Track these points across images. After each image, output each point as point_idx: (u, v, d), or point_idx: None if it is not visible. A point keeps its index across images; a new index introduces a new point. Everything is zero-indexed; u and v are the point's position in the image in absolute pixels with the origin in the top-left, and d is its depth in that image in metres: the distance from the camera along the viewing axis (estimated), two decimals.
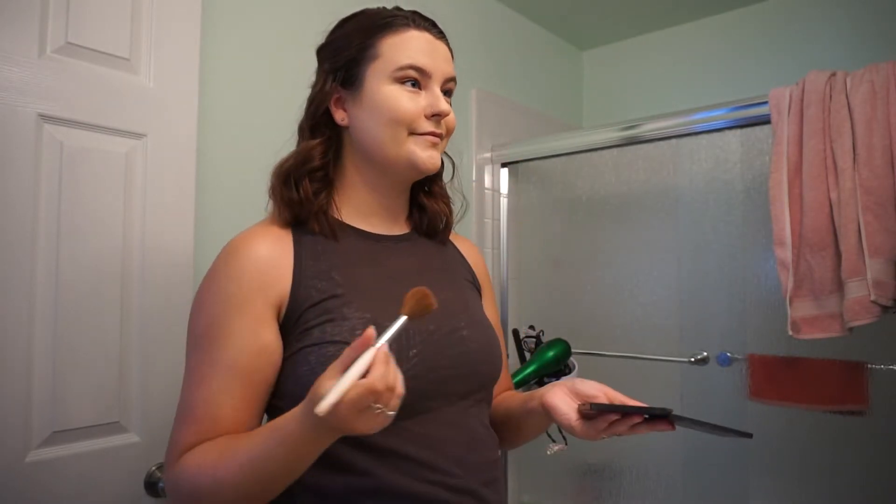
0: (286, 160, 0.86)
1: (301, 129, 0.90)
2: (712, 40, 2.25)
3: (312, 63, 0.92)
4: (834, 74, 1.39)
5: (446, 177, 0.99)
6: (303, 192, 0.84)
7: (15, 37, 0.99)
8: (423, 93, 0.85)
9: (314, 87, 0.90)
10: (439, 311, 0.79)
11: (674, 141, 1.67)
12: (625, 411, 0.76)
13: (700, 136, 1.64)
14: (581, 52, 2.60)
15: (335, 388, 0.59)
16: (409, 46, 0.84)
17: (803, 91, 1.41)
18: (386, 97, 0.83)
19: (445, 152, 0.94)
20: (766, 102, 1.47)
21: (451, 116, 0.87)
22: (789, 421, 1.61)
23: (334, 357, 0.73)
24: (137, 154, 1.13)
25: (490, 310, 1.01)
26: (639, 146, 1.74)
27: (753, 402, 1.61)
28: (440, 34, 0.89)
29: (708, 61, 2.26)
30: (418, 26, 0.86)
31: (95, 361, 1.06)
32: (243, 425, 0.77)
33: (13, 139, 0.98)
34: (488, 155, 2.02)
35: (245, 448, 0.71)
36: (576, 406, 0.81)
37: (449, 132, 0.89)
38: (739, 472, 1.73)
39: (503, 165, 2.03)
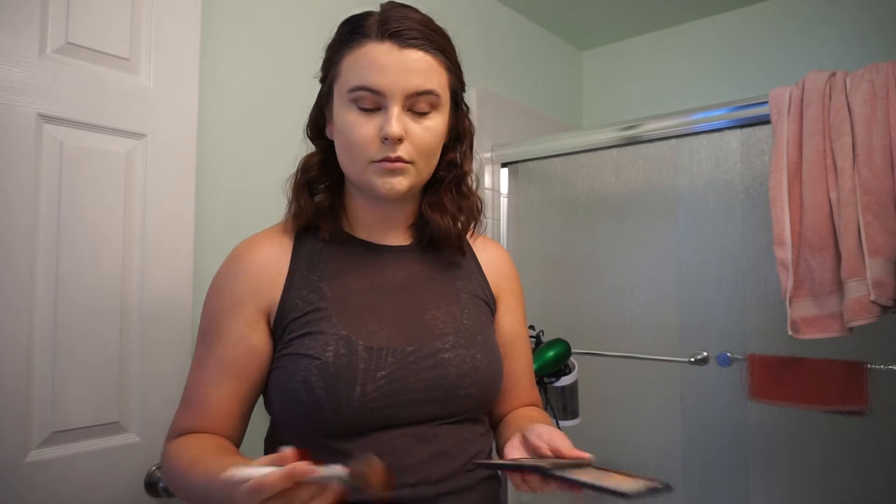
0: (295, 171, 0.89)
1: (310, 139, 0.91)
2: (712, 40, 2.25)
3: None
4: (834, 74, 1.39)
5: None
6: (303, 200, 0.86)
7: (15, 37, 0.99)
8: (378, 114, 0.78)
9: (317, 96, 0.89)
10: (424, 330, 0.81)
11: (674, 141, 1.67)
12: (502, 468, 0.73)
13: (700, 136, 1.64)
14: (581, 52, 2.60)
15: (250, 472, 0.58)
16: (361, 64, 0.77)
17: (803, 91, 1.41)
18: (343, 121, 0.79)
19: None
20: (766, 102, 1.47)
21: (420, 136, 0.79)
22: (789, 421, 1.61)
23: (306, 371, 0.75)
24: (137, 154, 1.13)
25: (510, 321, 0.96)
26: (639, 146, 1.74)
27: (753, 402, 1.61)
28: (412, 39, 0.77)
29: (708, 61, 2.26)
30: (379, 37, 0.77)
31: (95, 361, 1.06)
32: (231, 413, 0.82)
33: (13, 139, 0.98)
34: (488, 155, 2.02)
35: (195, 476, 0.73)
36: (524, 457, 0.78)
37: (420, 152, 0.80)
38: (739, 472, 1.73)
39: (503, 165, 2.03)
